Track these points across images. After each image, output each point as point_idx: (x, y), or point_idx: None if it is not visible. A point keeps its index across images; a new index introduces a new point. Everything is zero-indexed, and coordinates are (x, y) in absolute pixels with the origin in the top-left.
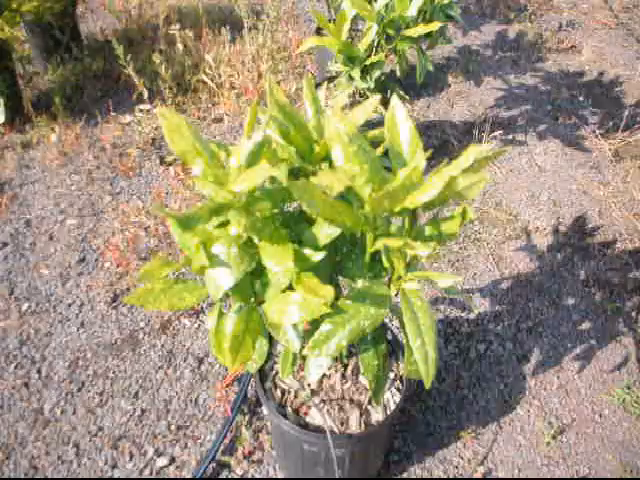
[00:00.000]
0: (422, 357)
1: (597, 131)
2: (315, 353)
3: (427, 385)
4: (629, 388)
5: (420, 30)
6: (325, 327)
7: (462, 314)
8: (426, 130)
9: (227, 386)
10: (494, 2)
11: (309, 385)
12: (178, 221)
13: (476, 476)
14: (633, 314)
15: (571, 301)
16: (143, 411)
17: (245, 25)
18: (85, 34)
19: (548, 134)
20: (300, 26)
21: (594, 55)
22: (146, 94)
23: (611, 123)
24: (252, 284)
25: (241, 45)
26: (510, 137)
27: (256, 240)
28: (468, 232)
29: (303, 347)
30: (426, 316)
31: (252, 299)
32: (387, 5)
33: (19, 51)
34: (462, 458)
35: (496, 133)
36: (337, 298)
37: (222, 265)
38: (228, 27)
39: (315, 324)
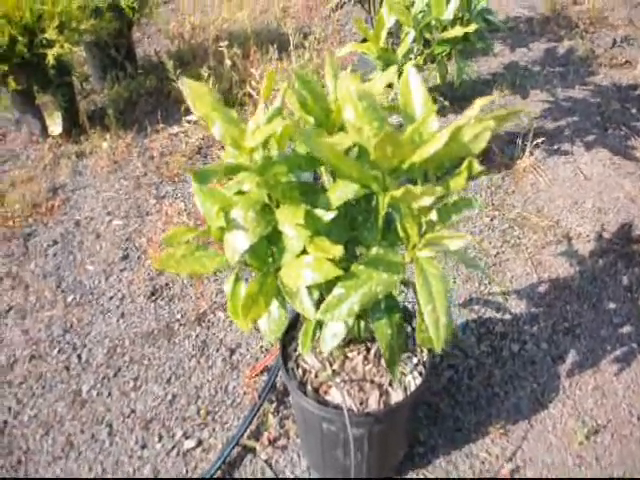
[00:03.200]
0: (433, 322)
1: None
2: (327, 317)
3: (437, 348)
4: None
5: (457, 31)
6: (337, 291)
7: (497, 314)
8: None
9: (256, 375)
10: (544, 21)
11: (330, 364)
12: (196, 175)
13: (503, 472)
14: None
15: (612, 305)
16: (174, 396)
17: (291, 42)
18: (140, 55)
19: (595, 144)
20: (345, 44)
21: None
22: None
23: None
24: (269, 251)
25: (288, 62)
26: (555, 147)
27: (272, 205)
28: (507, 237)
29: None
30: (439, 283)
31: (269, 267)
32: (424, 10)
33: (79, 71)
34: (490, 454)
35: (538, 141)
36: (350, 265)
37: (239, 228)
38: (275, 46)
39: (329, 290)
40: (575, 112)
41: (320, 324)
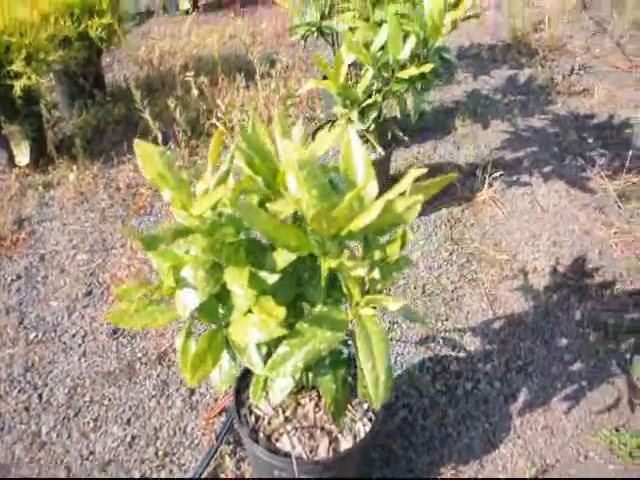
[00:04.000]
0: (372, 380)
1: (603, 172)
2: (273, 374)
3: (375, 406)
4: (617, 430)
5: (412, 72)
6: (282, 349)
7: (452, 352)
8: (431, 172)
9: (214, 416)
10: (505, 48)
11: (282, 411)
12: (144, 241)
13: None
14: (627, 356)
15: (564, 341)
16: (133, 437)
17: (258, 72)
18: (109, 81)
19: (553, 175)
20: (313, 73)
21: (605, 98)
22: (160, 137)
23: (618, 164)
24: (218, 307)
25: (254, 91)
26: (514, 178)
27: (222, 263)
28: (465, 272)
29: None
30: (380, 341)
31: (219, 323)
32: (382, 48)
33: (46, 99)
34: None
35: (496, 176)
36: (298, 322)
37: (189, 287)
38: (242, 74)
39: (276, 346)
40: (534, 142)
41: None
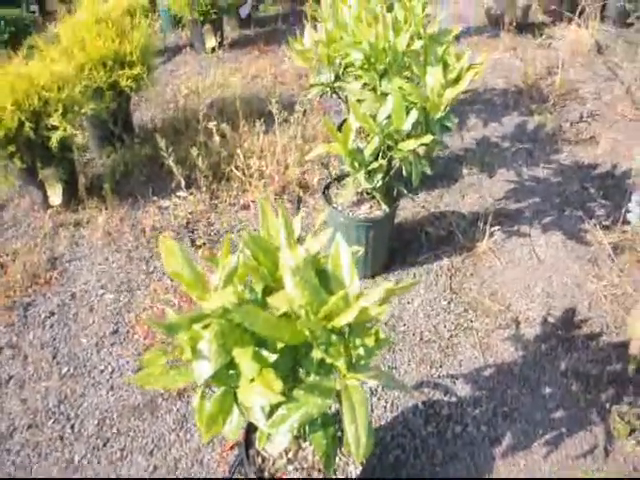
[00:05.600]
0: (355, 440)
1: (599, 224)
2: (274, 431)
3: (358, 461)
4: (592, 474)
5: (413, 144)
6: (281, 411)
7: (444, 397)
8: (435, 220)
9: (229, 449)
10: (518, 93)
11: (286, 454)
12: (165, 328)
13: None
14: (606, 405)
15: (548, 390)
16: (155, 467)
17: (276, 120)
18: (137, 122)
19: (552, 226)
20: (329, 118)
21: (610, 147)
22: (183, 183)
23: (616, 215)
24: (229, 374)
25: (273, 137)
26: (514, 228)
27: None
28: (461, 320)
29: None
30: (362, 408)
31: (232, 385)
32: (389, 117)
33: (78, 143)
34: None
35: (497, 227)
36: (295, 387)
37: (204, 358)
38: (262, 120)
39: (277, 407)
40: (536, 193)
41: None
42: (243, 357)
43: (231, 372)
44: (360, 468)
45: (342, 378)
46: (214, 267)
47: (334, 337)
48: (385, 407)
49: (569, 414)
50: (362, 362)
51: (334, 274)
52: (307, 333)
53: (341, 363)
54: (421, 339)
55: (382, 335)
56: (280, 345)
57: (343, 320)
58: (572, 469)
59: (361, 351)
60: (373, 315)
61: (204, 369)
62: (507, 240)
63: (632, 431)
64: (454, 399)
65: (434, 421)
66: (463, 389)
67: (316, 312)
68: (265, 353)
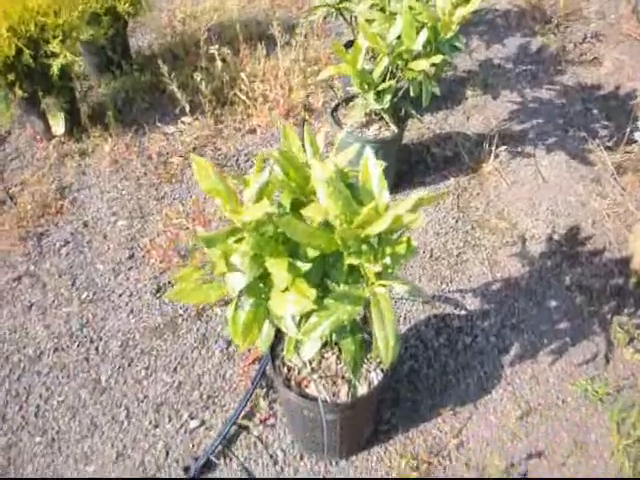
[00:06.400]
0: (384, 345)
1: (602, 144)
2: (305, 338)
3: (386, 366)
4: (592, 380)
5: (423, 64)
6: (313, 319)
7: (454, 310)
8: (440, 141)
9: (249, 365)
10: (520, 15)
11: (310, 363)
12: (204, 240)
13: (450, 446)
14: (608, 317)
15: (553, 303)
16: (180, 383)
17: (278, 43)
18: (134, 48)
19: (556, 147)
20: (331, 40)
21: (614, 68)
22: (188, 108)
23: (619, 136)
24: (261, 285)
25: (275, 60)
26: (519, 149)
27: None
28: (469, 238)
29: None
30: (389, 313)
31: (262, 296)
32: (399, 37)
33: (77, 71)
34: (440, 431)
35: (502, 148)
36: (325, 296)
37: (237, 271)
38: (263, 43)
39: (307, 316)
40: (540, 114)
41: None
42: (278, 267)
43: (261, 286)
44: (381, 375)
45: (370, 286)
46: (241, 186)
47: (364, 246)
48: (399, 320)
49: (573, 325)
50: (389, 270)
51: (364, 186)
52: (339, 242)
53: (371, 270)
54: (431, 256)
55: (413, 244)
56: (312, 256)
57: (377, 228)
58: (576, 377)
59: (388, 260)
60: (405, 223)
61: (238, 281)
62: (512, 160)
63: (631, 340)
64: (464, 312)
65: (445, 333)
66: (472, 303)
67: (350, 222)
68: (299, 263)
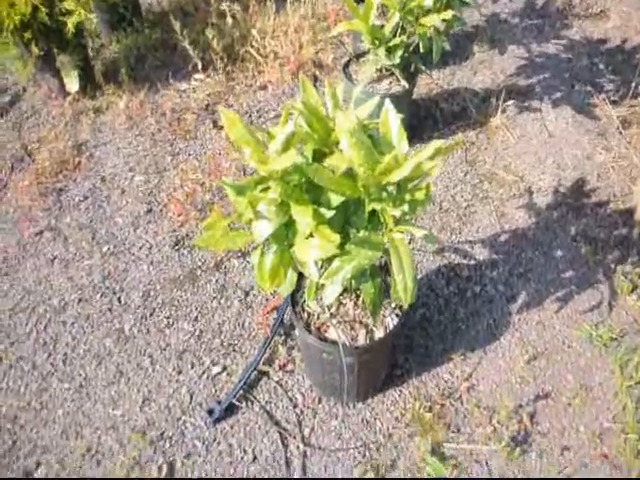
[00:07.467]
0: (403, 287)
1: (608, 98)
2: (328, 282)
3: (405, 305)
4: (596, 326)
5: (434, 19)
6: (335, 263)
7: (464, 260)
8: (449, 97)
9: (267, 313)
10: None
11: (329, 309)
12: (234, 189)
13: (461, 389)
14: (612, 266)
15: (559, 253)
16: (201, 332)
17: None
18: (144, 6)
19: (562, 102)
20: None
21: (621, 21)
22: (200, 65)
23: (624, 90)
24: (286, 232)
25: (284, 17)
26: (526, 104)
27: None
28: (477, 191)
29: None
30: (407, 257)
31: (285, 243)
32: None
33: (89, 28)
34: (451, 375)
35: (509, 102)
36: (346, 243)
37: (264, 218)
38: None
39: (329, 261)
40: (547, 69)
41: None
42: (303, 214)
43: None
44: (396, 320)
45: (389, 232)
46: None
47: (385, 193)
48: None
49: (578, 274)
50: (407, 217)
51: (384, 137)
52: (362, 189)
53: (390, 217)
54: (441, 208)
55: (431, 189)
56: (335, 203)
57: (399, 175)
58: (580, 323)
59: (405, 207)
60: (425, 170)
61: (264, 228)
62: (519, 115)
63: (634, 288)
64: (473, 262)
65: (455, 282)
66: (481, 253)
67: (372, 170)
68: (322, 210)
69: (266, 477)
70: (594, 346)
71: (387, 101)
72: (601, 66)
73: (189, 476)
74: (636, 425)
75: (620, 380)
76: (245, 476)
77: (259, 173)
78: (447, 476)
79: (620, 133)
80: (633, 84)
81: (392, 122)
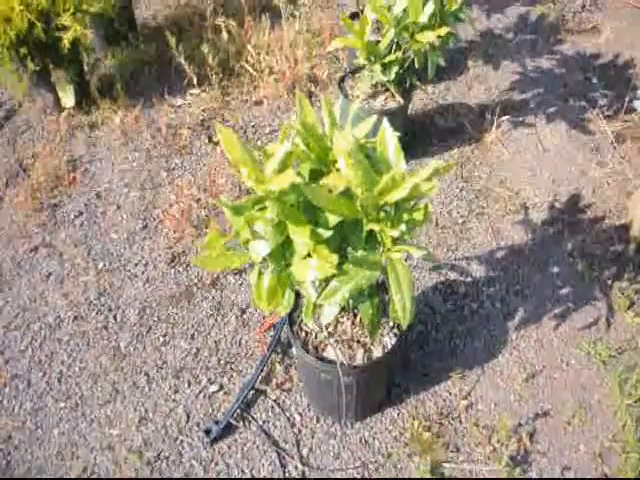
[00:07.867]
0: (401, 307)
1: (601, 113)
2: (326, 302)
3: (404, 326)
4: (594, 343)
5: (429, 36)
6: (333, 284)
7: (460, 277)
8: (443, 112)
9: (265, 331)
10: None
11: (326, 328)
12: (231, 209)
13: (460, 407)
14: (609, 282)
15: (556, 269)
16: (198, 349)
17: (283, 14)
18: (139, 21)
19: (556, 116)
20: (334, 11)
21: (613, 36)
22: (195, 80)
23: (618, 105)
24: (283, 252)
25: (280, 32)
26: (520, 119)
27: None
28: (473, 207)
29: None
30: (405, 277)
31: (283, 263)
32: (404, 10)
33: (84, 43)
34: (450, 393)
35: (504, 118)
36: (343, 263)
37: (261, 238)
38: (268, 14)
39: (327, 281)
40: (540, 84)
41: None
42: (300, 234)
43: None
44: (394, 339)
45: (387, 252)
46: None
47: (382, 213)
48: None
49: (575, 290)
50: (405, 237)
51: (382, 156)
52: (359, 209)
53: (388, 237)
54: (437, 225)
55: (430, 209)
56: (332, 223)
57: (397, 195)
58: (578, 340)
59: (403, 227)
60: (423, 191)
61: (261, 248)
62: (514, 130)
63: (631, 304)
64: (470, 279)
65: (452, 299)
66: (478, 270)
67: (369, 190)
68: (320, 230)
69: (267, 477)
70: (592, 363)
71: (384, 120)
72: (594, 81)
73: None
74: (636, 444)
75: (619, 398)
76: None
77: (256, 193)
78: None
79: (614, 148)
80: (626, 99)
81: (389, 141)
